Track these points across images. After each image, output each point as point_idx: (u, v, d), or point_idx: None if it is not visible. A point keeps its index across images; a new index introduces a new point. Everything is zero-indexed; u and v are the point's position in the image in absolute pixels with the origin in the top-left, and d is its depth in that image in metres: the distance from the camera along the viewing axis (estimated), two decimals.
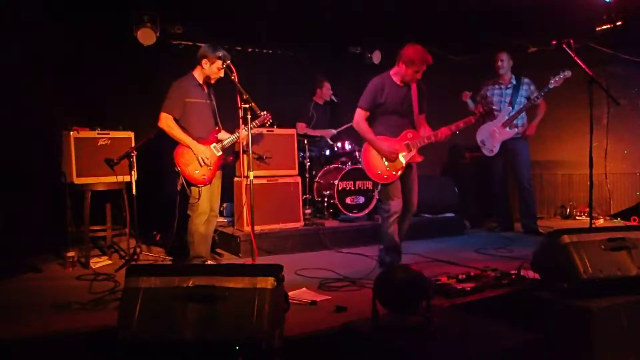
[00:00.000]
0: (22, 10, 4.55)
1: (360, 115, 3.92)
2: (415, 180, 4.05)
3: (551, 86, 5.22)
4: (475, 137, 5.75)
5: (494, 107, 5.64)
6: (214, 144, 4.02)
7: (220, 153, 4.04)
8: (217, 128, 4.11)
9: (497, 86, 5.67)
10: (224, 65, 3.83)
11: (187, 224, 3.98)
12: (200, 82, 4.01)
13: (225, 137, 4.09)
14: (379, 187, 4.13)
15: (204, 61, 3.93)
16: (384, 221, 3.96)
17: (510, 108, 5.54)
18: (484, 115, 3.99)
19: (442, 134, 3.89)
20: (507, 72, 5.62)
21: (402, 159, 3.91)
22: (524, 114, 5.56)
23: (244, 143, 4.02)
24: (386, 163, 3.91)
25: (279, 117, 4.41)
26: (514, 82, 5.61)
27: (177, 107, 3.90)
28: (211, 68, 3.94)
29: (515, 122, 5.54)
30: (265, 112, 4.19)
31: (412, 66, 3.77)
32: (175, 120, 3.90)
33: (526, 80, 5.60)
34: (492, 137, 5.60)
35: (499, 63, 5.59)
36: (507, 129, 5.55)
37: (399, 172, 3.92)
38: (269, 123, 4.32)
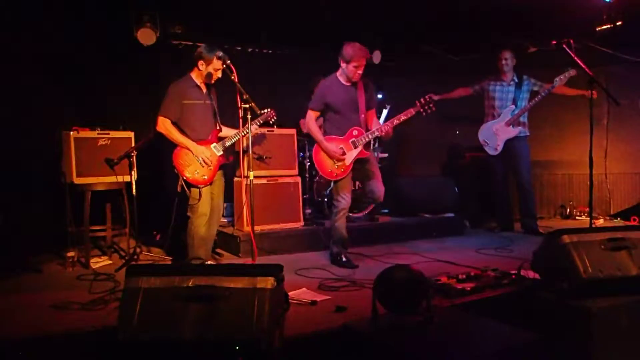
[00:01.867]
0: (22, 10, 4.55)
1: (310, 115, 4.22)
2: (375, 172, 4.28)
3: (556, 84, 5.25)
4: (477, 137, 5.74)
5: (495, 104, 5.66)
6: (214, 144, 4.01)
7: (221, 153, 4.03)
8: (217, 128, 4.10)
9: (499, 83, 5.67)
10: (224, 65, 3.82)
11: (187, 226, 3.97)
12: (199, 83, 4.00)
13: (229, 134, 4.09)
14: (332, 184, 4.38)
15: (200, 62, 3.92)
16: (334, 216, 4.25)
17: (514, 106, 5.54)
18: (424, 105, 4.09)
19: (385, 128, 4.16)
20: (510, 71, 5.62)
21: (349, 156, 4.15)
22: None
23: (245, 144, 4.01)
24: (335, 161, 4.14)
25: (279, 117, 4.42)
26: (516, 80, 5.60)
27: (173, 110, 3.89)
28: (208, 69, 3.93)
29: (519, 119, 5.54)
30: (268, 109, 4.20)
31: (351, 61, 4.03)
32: (174, 123, 3.90)
33: (525, 76, 5.60)
34: (495, 135, 5.59)
35: (503, 61, 5.58)
36: (511, 127, 5.54)
37: (349, 169, 4.17)
38: (272, 120, 4.32)
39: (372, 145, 5.30)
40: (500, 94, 5.65)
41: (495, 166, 5.77)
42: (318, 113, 4.23)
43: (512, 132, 5.54)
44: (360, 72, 4.08)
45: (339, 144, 4.14)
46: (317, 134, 4.18)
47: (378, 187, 4.23)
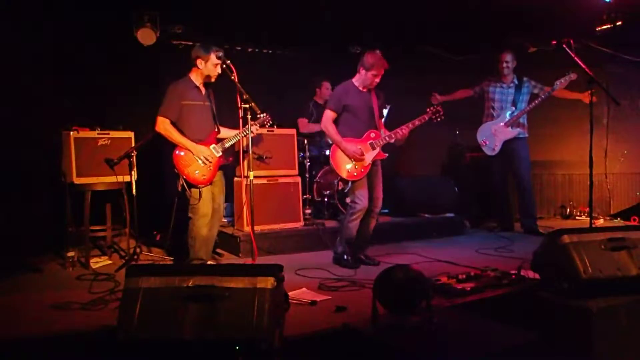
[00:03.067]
0: (22, 10, 4.55)
1: (328, 116, 4.21)
2: (379, 178, 4.32)
3: (556, 87, 5.26)
4: (476, 137, 5.74)
5: (494, 106, 5.66)
6: (213, 145, 4.01)
7: (220, 154, 4.03)
8: (216, 130, 4.10)
9: (499, 84, 5.67)
10: (224, 65, 3.81)
11: (189, 227, 3.97)
12: (198, 84, 3.99)
13: (227, 135, 4.09)
14: (349, 184, 4.38)
15: (198, 61, 3.92)
16: (349, 216, 4.23)
17: (513, 108, 5.54)
18: (435, 112, 4.22)
19: (400, 132, 4.21)
20: (510, 73, 5.62)
21: (368, 157, 4.18)
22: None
23: (245, 144, 4.01)
24: (353, 162, 4.15)
25: (279, 117, 4.42)
26: (516, 82, 5.61)
27: (172, 110, 3.88)
28: (207, 66, 3.92)
29: (518, 120, 5.54)
30: (264, 114, 4.20)
31: (371, 70, 4.10)
32: (173, 123, 3.90)
33: (525, 78, 5.61)
34: (493, 136, 5.60)
35: (504, 64, 5.57)
36: (510, 128, 5.55)
37: (367, 170, 4.19)
38: (268, 124, 4.33)
39: None
40: (500, 95, 5.65)
41: (495, 166, 5.77)
42: (336, 114, 4.22)
43: (511, 133, 5.55)
44: (377, 80, 4.16)
45: (356, 145, 4.16)
46: (336, 134, 4.18)
47: (379, 195, 4.29)
